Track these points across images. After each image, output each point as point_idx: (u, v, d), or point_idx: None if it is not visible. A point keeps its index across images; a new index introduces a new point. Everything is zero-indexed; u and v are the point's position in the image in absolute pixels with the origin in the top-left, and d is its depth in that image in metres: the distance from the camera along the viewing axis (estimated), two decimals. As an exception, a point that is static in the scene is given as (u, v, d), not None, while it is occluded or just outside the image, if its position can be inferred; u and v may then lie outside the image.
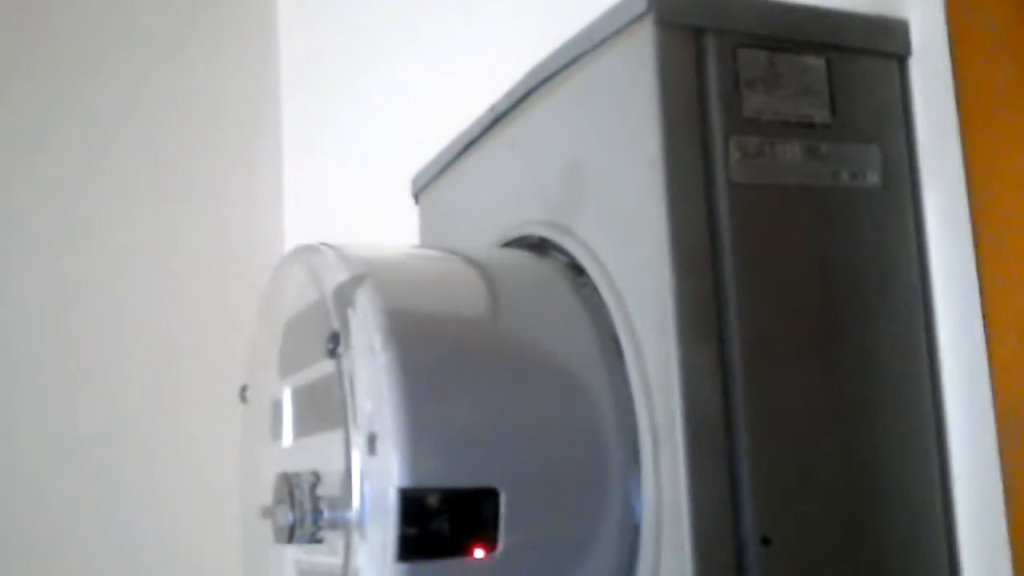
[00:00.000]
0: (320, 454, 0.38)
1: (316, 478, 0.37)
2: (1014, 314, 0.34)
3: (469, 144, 0.49)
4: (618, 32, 0.37)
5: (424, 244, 0.53)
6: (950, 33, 0.38)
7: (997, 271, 0.35)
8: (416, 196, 0.55)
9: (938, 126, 0.39)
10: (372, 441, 0.35)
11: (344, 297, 0.37)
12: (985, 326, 0.36)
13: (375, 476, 0.34)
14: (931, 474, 0.37)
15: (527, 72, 0.43)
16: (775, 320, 0.36)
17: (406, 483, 0.33)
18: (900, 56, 0.40)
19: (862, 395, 0.36)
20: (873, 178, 0.39)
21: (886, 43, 0.40)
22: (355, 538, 0.35)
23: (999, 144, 0.36)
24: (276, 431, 0.44)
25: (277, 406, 0.44)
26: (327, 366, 0.38)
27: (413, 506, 0.33)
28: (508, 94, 0.45)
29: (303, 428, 0.42)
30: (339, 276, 0.38)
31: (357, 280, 0.37)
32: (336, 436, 0.37)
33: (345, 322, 0.37)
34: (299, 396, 0.42)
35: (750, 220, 0.36)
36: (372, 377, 0.35)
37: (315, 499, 0.37)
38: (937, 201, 0.38)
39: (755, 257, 0.36)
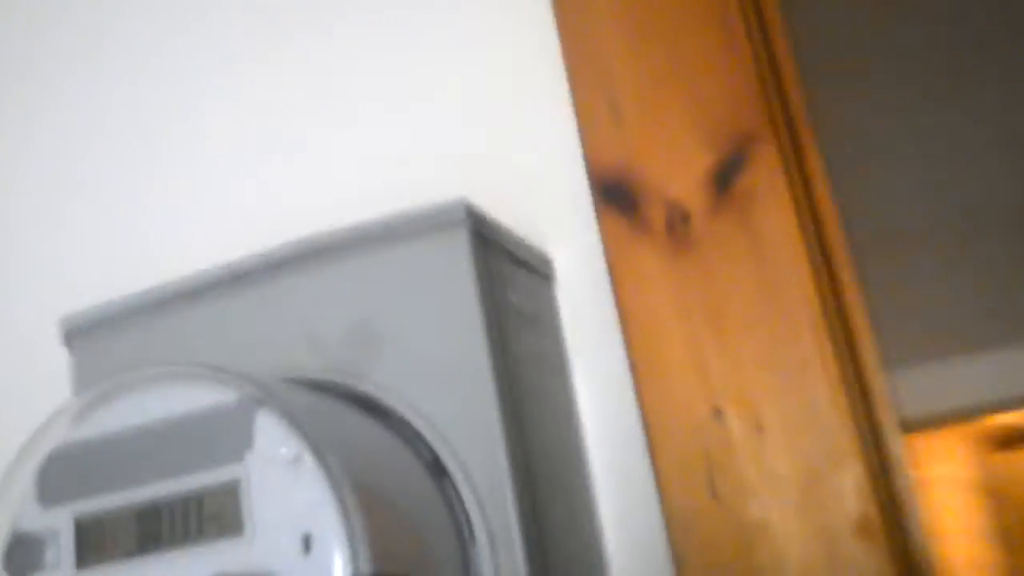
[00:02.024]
0: (198, 566, 0.41)
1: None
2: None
3: (175, 297, 0.54)
4: (434, 229, 0.49)
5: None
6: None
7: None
8: (69, 340, 0.56)
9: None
10: (307, 541, 0.40)
11: (249, 407, 0.42)
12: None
13: (310, 572, 0.40)
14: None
15: (288, 242, 0.51)
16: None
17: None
18: (551, 277, 0.57)
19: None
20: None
21: (546, 269, 0.57)
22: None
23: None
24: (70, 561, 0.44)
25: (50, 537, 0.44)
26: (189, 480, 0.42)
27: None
28: (262, 257, 0.52)
29: (141, 547, 0.43)
30: (225, 395, 0.43)
31: (263, 392, 0.42)
32: (225, 546, 0.41)
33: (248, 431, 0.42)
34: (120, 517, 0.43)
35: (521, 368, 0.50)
36: (290, 483, 0.41)
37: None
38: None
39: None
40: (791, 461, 0.49)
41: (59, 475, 0.45)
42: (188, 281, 0.54)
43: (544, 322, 0.55)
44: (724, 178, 0.52)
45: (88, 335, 0.56)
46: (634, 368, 0.52)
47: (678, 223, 0.52)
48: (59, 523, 0.45)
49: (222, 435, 0.43)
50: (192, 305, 0.54)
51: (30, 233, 0.69)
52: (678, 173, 0.53)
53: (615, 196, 0.54)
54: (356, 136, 0.62)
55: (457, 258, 0.48)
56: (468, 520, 0.46)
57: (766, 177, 0.51)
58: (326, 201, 0.61)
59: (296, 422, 0.42)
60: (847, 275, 0.52)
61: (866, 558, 0.47)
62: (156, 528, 0.43)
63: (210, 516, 0.42)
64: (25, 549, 0.45)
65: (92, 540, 0.44)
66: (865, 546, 0.47)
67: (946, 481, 1.95)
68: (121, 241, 0.66)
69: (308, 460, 0.41)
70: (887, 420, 0.49)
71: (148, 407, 0.45)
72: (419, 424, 0.48)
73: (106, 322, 0.55)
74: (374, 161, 0.61)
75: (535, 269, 0.55)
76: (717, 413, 0.50)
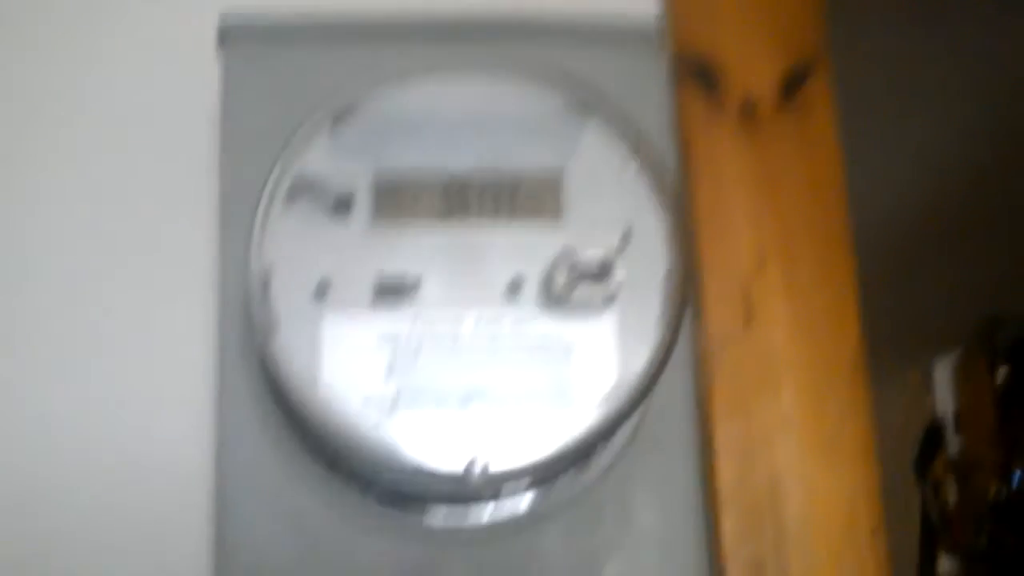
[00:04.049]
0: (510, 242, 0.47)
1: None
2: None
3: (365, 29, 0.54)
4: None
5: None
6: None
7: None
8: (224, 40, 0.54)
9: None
10: (627, 235, 0.47)
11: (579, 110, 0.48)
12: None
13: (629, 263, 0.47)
14: None
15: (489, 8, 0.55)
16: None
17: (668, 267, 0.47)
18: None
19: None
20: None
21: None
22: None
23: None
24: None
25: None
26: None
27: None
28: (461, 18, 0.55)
29: (446, 213, 0.47)
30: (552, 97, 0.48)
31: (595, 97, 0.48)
32: (542, 227, 0.47)
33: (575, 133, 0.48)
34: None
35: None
36: (613, 184, 0.48)
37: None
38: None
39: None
40: (812, 307, 0.63)
41: (361, 133, 0.47)
42: (380, 15, 0.54)
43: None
44: (791, 85, 0.66)
45: (246, 41, 0.55)
46: (696, 215, 0.63)
47: (749, 111, 0.65)
48: (355, 175, 0.47)
49: (545, 133, 0.48)
50: (373, 44, 0.55)
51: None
52: (755, 70, 0.66)
53: (697, 73, 0.66)
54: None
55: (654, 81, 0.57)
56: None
57: (821, 95, 0.66)
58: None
59: (625, 129, 0.49)
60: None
61: (852, 388, 0.63)
62: (464, 200, 0.47)
63: (525, 199, 0.48)
64: (313, 194, 0.46)
65: (392, 199, 0.47)
66: (853, 377, 0.63)
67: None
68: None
69: (633, 167, 0.48)
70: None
71: (465, 91, 0.49)
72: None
73: (273, 33, 0.55)
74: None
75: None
76: (761, 263, 0.64)
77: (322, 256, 0.45)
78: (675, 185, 0.49)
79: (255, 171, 0.47)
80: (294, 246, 0.45)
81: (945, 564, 2.04)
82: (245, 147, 0.51)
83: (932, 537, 2.15)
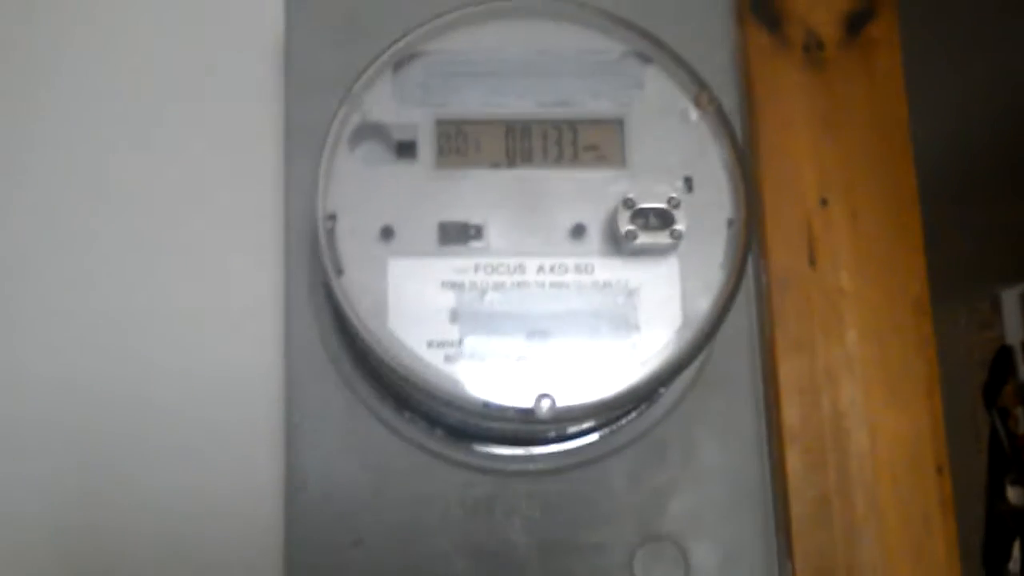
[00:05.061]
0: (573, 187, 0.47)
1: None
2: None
3: None
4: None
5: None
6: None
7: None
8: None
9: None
10: (690, 183, 0.47)
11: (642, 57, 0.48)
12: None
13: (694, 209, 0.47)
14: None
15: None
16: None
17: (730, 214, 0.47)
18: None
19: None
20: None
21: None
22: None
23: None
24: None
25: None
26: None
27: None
28: None
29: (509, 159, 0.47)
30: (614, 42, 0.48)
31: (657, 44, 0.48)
32: (606, 174, 0.47)
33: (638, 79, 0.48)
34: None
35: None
36: (674, 131, 0.48)
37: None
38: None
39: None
40: (876, 244, 0.63)
41: (423, 77, 0.48)
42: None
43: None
44: (856, 22, 0.65)
45: None
46: (759, 154, 0.63)
47: (813, 47, 0.64)
48: (417, 120, 0.47)
49: (607, 78, 0.48)
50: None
51: None
52: (820, 8, 0.65)
53: (761, 11, 0.65)
54: None
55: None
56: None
57: (887, 34, 0.65)
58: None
59: (687, 75, 0.48)
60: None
61: (917, 326, 0.62)
62: (526, 145, 0.47)
63: (587, 145, 0.48)
64: (376, 139, 0.47)
65: (454, 143, 0.47)
66: (918, 316, 0.62)
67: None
68: None
69: (695, 113, 0.48)
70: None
71: (526, 36, 0.49)
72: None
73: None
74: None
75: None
76: (824, 200, 0.63)
77: (386, 200, 0.46)
78: (738, 133, 0.48)
79: (320, 112, 0.47)
80: (358, 190, 0.46)
81: (1012, 494, 2.04)
82: (310, 88, 0.52)
83: (1001, 465, 2.14)
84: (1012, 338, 2.43)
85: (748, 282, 0.56)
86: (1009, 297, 2.45)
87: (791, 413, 0.61)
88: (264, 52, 0.58)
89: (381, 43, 0.48)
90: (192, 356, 0.57)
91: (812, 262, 0.62)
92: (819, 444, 0.61)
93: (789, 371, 0.62)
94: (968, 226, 1.83)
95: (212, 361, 0.56)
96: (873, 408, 0.62)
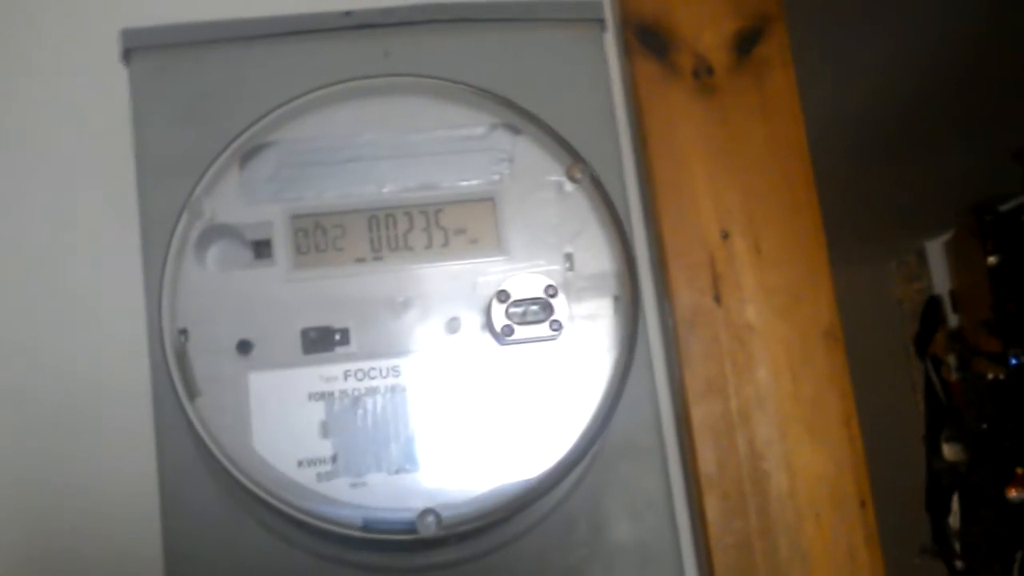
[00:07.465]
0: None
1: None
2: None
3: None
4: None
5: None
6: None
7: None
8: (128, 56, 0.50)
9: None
10: (570, 260, 0.44)
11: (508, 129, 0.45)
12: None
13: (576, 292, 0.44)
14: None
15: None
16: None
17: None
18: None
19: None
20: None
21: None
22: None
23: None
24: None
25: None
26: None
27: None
28: (387, 11, 0.50)
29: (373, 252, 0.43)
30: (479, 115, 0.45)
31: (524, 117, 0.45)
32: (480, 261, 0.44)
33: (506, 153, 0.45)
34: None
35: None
36: (550, 204, 0.44)
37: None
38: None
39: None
40: (782, 274, 0.60)
41: (273, 171, 0.44)
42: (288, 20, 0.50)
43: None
44: (745, 44, 0.62)
45: (152, 55, 0.51)
46: (656, 191, 0.60)
47: (703, 73, 0.61)
48: (270, 217, 0.43)
49: (475, 155, 0.45)
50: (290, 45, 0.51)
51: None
52: (708, 32, 0.62)
53: (647, 38, 0.61)
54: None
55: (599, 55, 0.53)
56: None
57: (778, 51, 0.62)
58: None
59: (562, 146, 0.45)
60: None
61: (830, 357, 0.60)
62: (392, 235, 0.44)
63: (459, 230, 0.44)
64: (226, 241, 0.43)
65: (313, 240, 0.44)
66: (830, 346, 0.60)
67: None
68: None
69: (570, 186, 0.45)
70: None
71: (385, 116, 0.45)
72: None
73: (178, 45, 0.51)
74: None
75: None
76: (725, 233, 0.60)
77: (242, 310, 0.42)
78: (631, 186, 0.45)
79: (174, 199, 0.43)
80: (211, 301, 0.42)
81: (948, 450, 2.06)
82: (159, 175, 0.47)
83: (938, 418, 2.17)
84: (940, 288, 2.45)
85: (645, 328, 0.53)
86: (934, 248, 2.47)
87: (707, 459, 0.59)
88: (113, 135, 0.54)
89: (230, 114, 0.44)
90: (67, 469, 0.53)
91: (717, 299, 0.60)
92: (737, 488, 0.59)
93: (702, 415, 0.59)
94: (893, 182, 1.84)
95: (84, 472, 0.53)
96: (790, 446, 0.60)
